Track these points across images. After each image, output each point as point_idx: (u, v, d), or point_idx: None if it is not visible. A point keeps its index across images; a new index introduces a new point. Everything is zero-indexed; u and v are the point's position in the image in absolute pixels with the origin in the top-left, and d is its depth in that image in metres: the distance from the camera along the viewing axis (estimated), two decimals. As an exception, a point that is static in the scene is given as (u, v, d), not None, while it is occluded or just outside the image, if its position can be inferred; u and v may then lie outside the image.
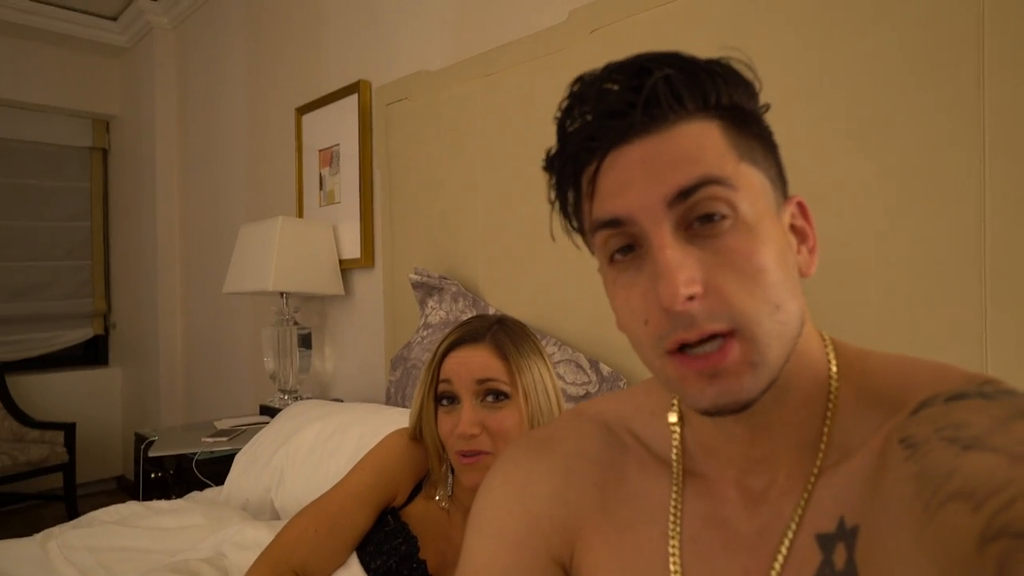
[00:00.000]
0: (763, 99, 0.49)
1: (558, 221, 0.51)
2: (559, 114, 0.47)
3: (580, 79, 0.46)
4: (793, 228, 0.48)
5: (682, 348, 0.43)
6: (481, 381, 0.92)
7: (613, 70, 0.44)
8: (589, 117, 0.45)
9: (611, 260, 0.47)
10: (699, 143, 0.43)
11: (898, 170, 1.05)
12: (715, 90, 0.44)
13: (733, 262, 0.42)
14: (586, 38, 1.50)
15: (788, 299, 0.44)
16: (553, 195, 0.49)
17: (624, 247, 0.45)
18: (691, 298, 0.41)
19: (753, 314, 0.42)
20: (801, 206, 0.50)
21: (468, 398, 0.92)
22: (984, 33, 0.96)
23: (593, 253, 0.50)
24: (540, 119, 1.60)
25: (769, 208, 0.45)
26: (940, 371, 0.46)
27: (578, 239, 0.52)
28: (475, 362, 0.93)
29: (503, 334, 0.96)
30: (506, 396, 0.92)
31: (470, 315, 1.68)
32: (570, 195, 0.48)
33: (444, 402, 0.95)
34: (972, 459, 0.35)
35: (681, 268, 0.42)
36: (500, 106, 1.70)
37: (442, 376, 0.95)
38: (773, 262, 0.43)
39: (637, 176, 0.43)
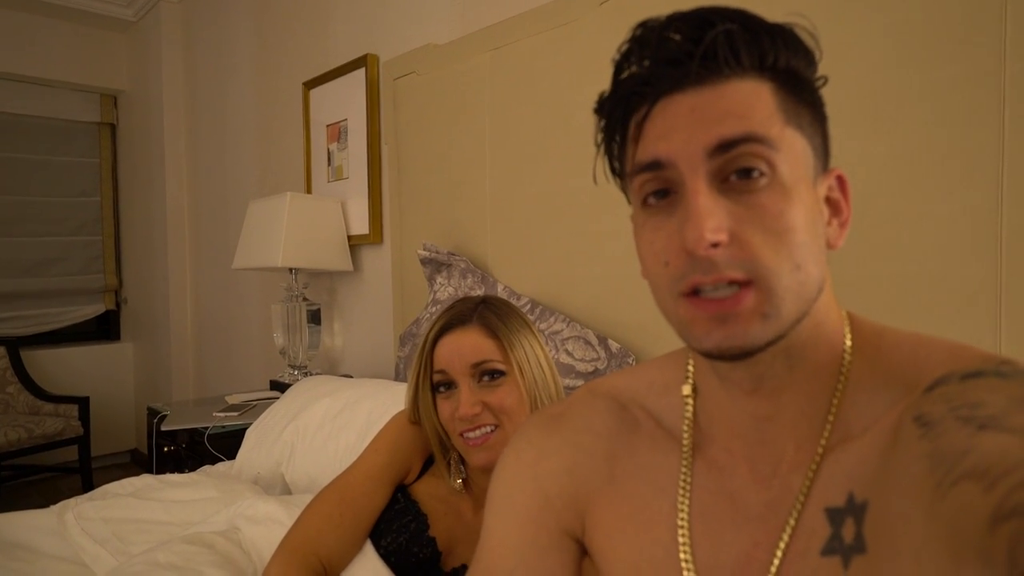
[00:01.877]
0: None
1: (600, 166, 0.52)
2: (617, 56, 0.47)
3: (643, 24, 0.46)
4: (828, 200, 0.49)
5: (697, 292, 0.44)
6: (476, 364, 0.92)
7: (676, 19, 0.45)
8: (647, 63, 0.45)
9: (644, 203, 0.47)
10: (749, 101, 0.44)
11: (914, 146, 1.03)
12: (774, 51, 0.44)
13: (763, 218, 0.43)
14: (596, 9, 1.47)
15: (810, 262, 0.44)
16: (600, 137, 0.50)
17: (659, 191, 0.46)
18: (715, 245, 0.42)
19: (774, 268, 0.43)
20: (840, 180, 0.50)
21: (465, 381, 0.92)
22: (1007, 3, 0.93)
23: (629, 199, 0.51)
24: (549, 92, 1.57)
25: (807, 174, 0.46)
26: (956, 350, 0.45)
27: (621, 198, 0.52)
28: (466, 346, 0.92)
29: (489, 312, 0.96)
30: (502, 373, 0.92)
31: (479, 291, 1.68)
32: (617, 138, 0.49)
33: (441, 389, 0.95)
34: (987, 439, 0.35)
35: (711, 214, 0.42)
36: (509, 80, 1.68)
37: (436, 366, 0.94)
38: (801, 225, 0.44)
39: (684, 123, 0.44)
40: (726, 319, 0.43)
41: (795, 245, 0.43)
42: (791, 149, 0.45)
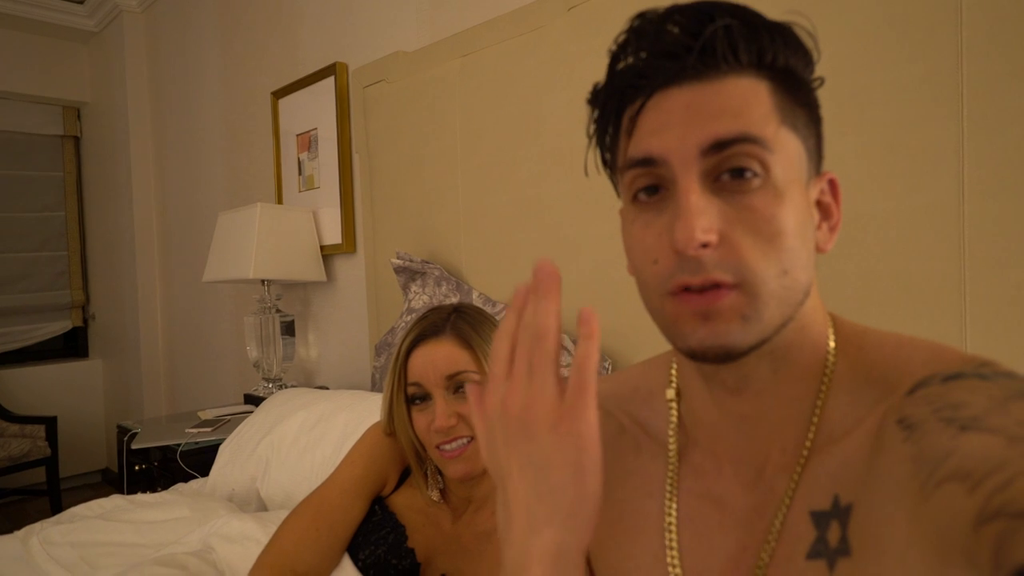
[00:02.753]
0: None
1: (592, 158, 0.51)
2: (613, 47, 0.46)
3: (641, 15, 0.45)
4: (819, 204, 0.48)
5: (685, 291, 0.44)
6: (450, 376, 0.91)
7: (675, 11, 0.44)
8: (643, 55, 0.44)
9: (634, 198, 0.46)
10: (745, 99, 0.43)
11: (876, 145, 1.05)
12: (772, 49, 0.43)
13: (754, 221, 0.42)
14: (564, 15, 1.48)
15: (798, 267, 0.44)
16: (593, 129, 0.49)
17: (650, 187, 0.45)
18: (705, 245, 0.42)
19: (760, 272, 0.42)
20: (832, 183, 0.49)
21: (439, 393, 0.91)
22: (962, 6, 0.96)
23: (618, 192, 0.50)
24: (519, 97, 1.58)
25: (799, 177, 0.45)
26: (937, 351, 0.45)
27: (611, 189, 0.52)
28: (440, 358, 0.91)
29: (462, 322, 0.95)
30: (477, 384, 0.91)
31: (454, 299, 1.67)
32: (609, 130, 0.48)
33: (416, 401, 0.94)
34: (969, 440, 0.35)
35: (702, 214, 0.42)
36: (478, 86, 1.68)
37: (410, 379, 0.93)
38: (792, 229, 0.43)
39: (678, 119, 0.43)
40: (709, 316, 0.42)
41: (784, 250, 0.43)
42: (785, 150, 0.44)
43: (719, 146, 0.42)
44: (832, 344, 0.49)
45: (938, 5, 0.98)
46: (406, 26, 1.98)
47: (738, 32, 0.43)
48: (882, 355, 0.47)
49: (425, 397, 0.93)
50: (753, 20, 0.43)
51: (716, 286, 0.42)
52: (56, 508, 3.05)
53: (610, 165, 0.50)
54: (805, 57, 0.46)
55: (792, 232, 0.43)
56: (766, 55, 0.43)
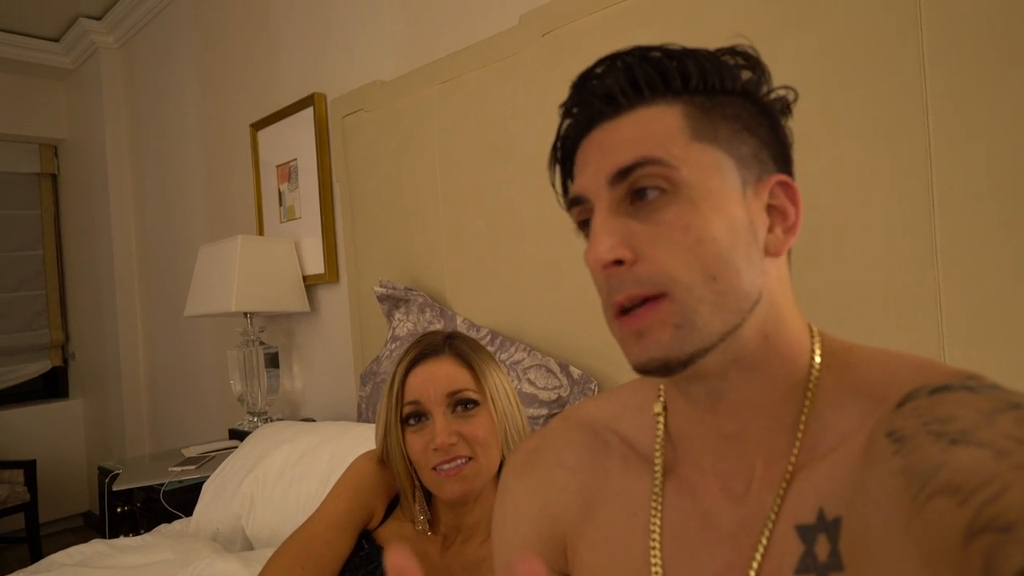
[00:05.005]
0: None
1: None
2: (561, 109, 0.51)
3: (580, 75, 0.50)
4: (772, 207, 0.48)
5: (626, 311, 0.46)
6: (451, 393, 0.91)
7: (596, 64, 0.49)
8: (575, 110, 0.50)
9: (578, 232, 0.51)
10: (648, 127, 0.46)
11: (847, 163, 1.06)
12: (680, 74, 0.47)
13: (669, 233, 0.44)
14: (538, 41, 1.50)
15: (729, 273, 0.44)
16: (555, 181, 0.55)
17: (584, 221, 0.50)
18: (619, 263, 0.45)
19: (683, 280, 0.44)
20: (786, 186, 0.49)
21: (440, 411, 0.91)
22: (922, 22, 0.98)
23: None
24: (496, 124, 1.59)
25: (724, 185, 0.46)
26: (924, 365, 0.46)
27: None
28: (441, 375, 0.92)
29: (460, 343, 0.96)
30: (476, 403, 0.92)
31: (438, 325, 1.66)
32: (567, 181, 0.54)
33: (412, 421, 0.93)
34: (959, 453, 0.35)
35: (604, 234, 0.45)
36: (456, 113, 1.69)
37: (408, 398, 0.93)
38: (716, 235, 0.44)
39: (592, 158, 0.48)
40: (642, 333, 0.44)
41: (708, 256, 0.44)
42: (698, 163, 0.45)
43: (622, 174, 0.46)
44: (818, 359, 0.49)
45: (899, 22, 1.00)
46: (383, 55, 1.99)
47: (638, 69, 0.47)
48: (868, 370, 0.48)
49: (422, 416, 0.92)
50: (651, 55, 0.47)
51: (645, 301, 0.44)
52: (36, 555, 2.96)
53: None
54: (729, 73, 0.48)
55: (716, 238, 0.44)
56: (672, 81, 0.47)
